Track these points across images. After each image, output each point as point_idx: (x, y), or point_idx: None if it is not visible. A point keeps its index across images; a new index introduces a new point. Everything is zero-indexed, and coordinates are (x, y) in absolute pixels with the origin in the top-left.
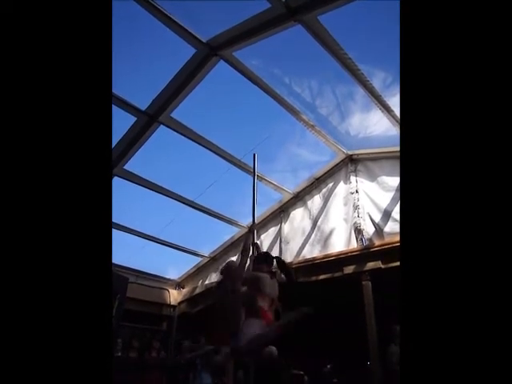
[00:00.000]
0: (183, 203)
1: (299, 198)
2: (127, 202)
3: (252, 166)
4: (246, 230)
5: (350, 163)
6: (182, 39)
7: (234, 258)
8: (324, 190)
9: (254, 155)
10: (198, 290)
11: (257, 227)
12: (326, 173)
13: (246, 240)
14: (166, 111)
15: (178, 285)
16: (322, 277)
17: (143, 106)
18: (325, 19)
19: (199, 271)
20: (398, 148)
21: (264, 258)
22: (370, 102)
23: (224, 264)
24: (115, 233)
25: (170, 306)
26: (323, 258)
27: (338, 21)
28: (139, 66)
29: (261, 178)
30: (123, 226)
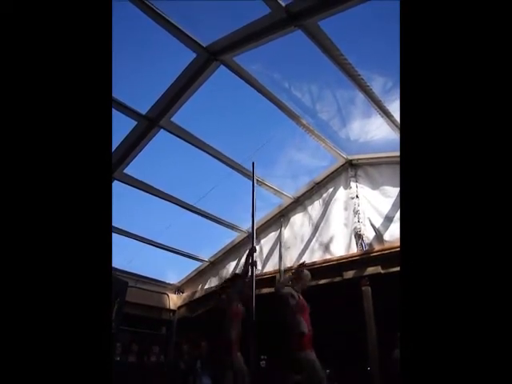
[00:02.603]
0: (183, 207)
1: (299, 203)
2: (127, 206)
3: (252, 171)
4: (246, 234)
5: (350, 168)
6: (183, 44)
7: (233, 263)
8: (324, 195)
9: (253, 164)
10: (197, 295)
11: (256, 233)
12: (325, 177)
13: (246, 261)
14: (166, 115)
15: (178, 289)
16: (321, 281)
17: (144, 110)
18: (325, 24)
19: (199, 276)
20: (397, 153)
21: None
22: (370, 107)
23: (232, 274)
24: (115, 237)
25: (169, 310)
26: (323, 263)
27: (338, 26)
28: (140, 71)
29: (261, 183)
30: (123, 230)
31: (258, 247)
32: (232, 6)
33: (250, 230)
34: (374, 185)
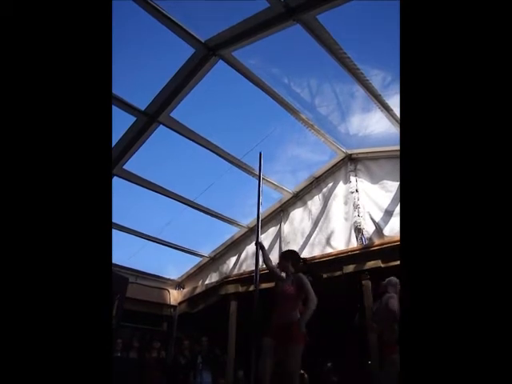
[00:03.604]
0: (183, 203)
1: (299, 198)
2: (127, 202)
3: (252, 165)
4: (246, 229)
5: (350, 162)
6: (181, 39)
7: (233, 258)
8: (324, 190)
9: (260, 154)
10: (198, 290)
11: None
12: (325, 172)
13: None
14: (165, 111)
15: (178, 285)
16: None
17: (143, 105)
18: (323, 18)
19: (199, 271)
20: (397, 147)
21: None
22: (370, 101)
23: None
24: (115, 233)
25: (170, 306)
26: (323, 257)
27: (337, 20)
28: (139, 66)
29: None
30: (123, 226)
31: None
32: (230, 0)
33: (250, 225)
34: (374, 179)
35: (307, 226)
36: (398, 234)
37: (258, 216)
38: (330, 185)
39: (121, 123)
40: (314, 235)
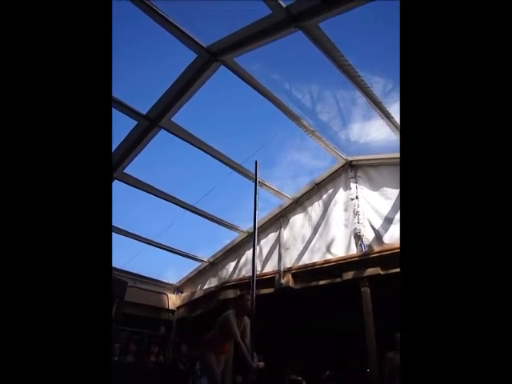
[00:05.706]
0: (183, 207)
1: (299, 204)
2: (127, 206)
3: (252, 171)
4: (246, 234)
5: (350, 169)
6: (184, 44)
7: (233, 263)
8: (324, 196)
9: (256, 162)
10: (196, 295)
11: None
12: (325, 178)
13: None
14: (166, 116)
15: (177, 289)
16: (321, 282)
17: (144, 110)
18: (325, 26)
19: (198, 276)
20: (397, 154)
21: None
22: (371, 108)
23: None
24: (114, 236)
25: (168, 310)
26: (323, 264)
27: (339, 27)
28: (141, 71)
29: (261, 183)
30: (122, 230)
31: (257, 248)
32: (233, 6)
33: (250, 230)
34: (374, 186)
35: (307, 231)
36: (398, 242)
37: (254, 222)
38: (330, 191)
39: (122, 127)
40: (313, 241)
